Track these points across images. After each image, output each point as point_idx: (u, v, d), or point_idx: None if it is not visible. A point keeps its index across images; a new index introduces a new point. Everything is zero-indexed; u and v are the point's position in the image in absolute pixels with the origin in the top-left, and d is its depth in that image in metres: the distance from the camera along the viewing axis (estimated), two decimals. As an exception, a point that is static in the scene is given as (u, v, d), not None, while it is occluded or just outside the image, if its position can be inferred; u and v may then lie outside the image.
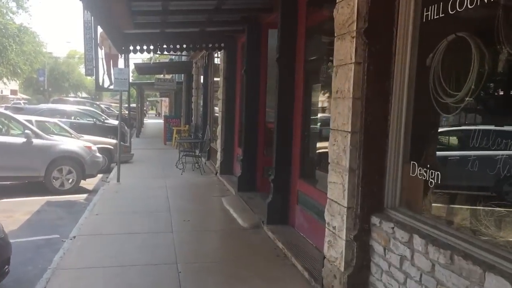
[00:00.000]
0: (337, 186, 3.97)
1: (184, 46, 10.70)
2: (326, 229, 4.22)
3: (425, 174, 3.35)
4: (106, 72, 16.30)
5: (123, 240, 5.99)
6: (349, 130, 3.78)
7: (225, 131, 11.10)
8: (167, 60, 22.75)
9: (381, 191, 3.73)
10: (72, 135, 12.60)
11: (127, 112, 35.46)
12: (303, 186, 6.17)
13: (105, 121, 21.02)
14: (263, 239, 6.06)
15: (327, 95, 6.21)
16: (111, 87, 16.59)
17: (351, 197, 3.79)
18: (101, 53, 15.82)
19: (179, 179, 11.01)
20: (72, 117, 18.69)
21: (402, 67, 3.62)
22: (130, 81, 28.31)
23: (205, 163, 13.60)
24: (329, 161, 4.17)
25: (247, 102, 8.87)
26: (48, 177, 9.73)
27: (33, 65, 37.21)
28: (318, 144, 6.36)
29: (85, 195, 9.93)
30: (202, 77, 16.41)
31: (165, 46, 10.57)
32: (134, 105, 26.90)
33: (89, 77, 19.35)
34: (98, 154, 10.67)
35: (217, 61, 13.95)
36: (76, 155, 10.02)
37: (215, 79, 13.91)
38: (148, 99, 71.97)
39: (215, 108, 14.40)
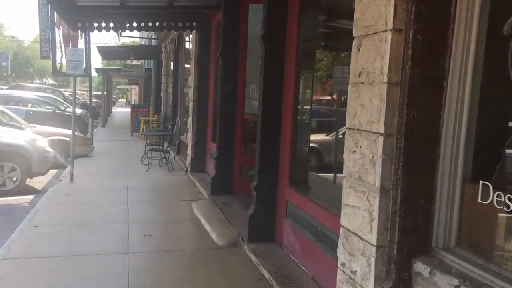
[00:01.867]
0: (359, 213, 2.73)
1: (150, 24, 9.23)
2: (339, 270, 2.98)
3: (502, 200, 2.13)
4: (64, 55, 14.54)
5: (62, 266, 4.61)
6: (381, 131, 2.53)
7: (197, 123, 9.74)
8: (135, 45, 21.05)
9: (429, 223, 2.51)
10: (22, 125, 11.02)
11: (94, 100, 33.56)
12: (294, 196, 4.92)
13: (66, 109, 19.31)
14: (244, 264, 4.79)
15: (328, 82, 4.97)
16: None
17: (382, 230, 2.55)
18: (58, 33, 14.10)
19: (143, 178, 9.61)
20: (29, 105, 16.94)
21: (466, 37, 2.39)
22: (97, 66, 26.62)
23: (174, 158, 12.21)
24: (345, 174, 2.93)
25: (222, 90, 7.54)
26: (-15, 176, 8.20)
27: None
28: (315, 142, 5.13)
29: (31, 197, 8.43)
30: (172, 63, 14.95)
31: (127, 24, 9.11)
32: (99, 92, 25.14)
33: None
34: (48, 148, 9.15)
35: (188, 46, 12.53)
36: (20, 150, 8.50)
37: (186, 66, 12.49)
38: (118, 86, 69.40)
39: (186, 97, 13.00)
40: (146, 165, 10.73)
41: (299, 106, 5.10)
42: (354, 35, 2.84)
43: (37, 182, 9.40)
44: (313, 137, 5.11)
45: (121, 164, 11.26)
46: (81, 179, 9.11)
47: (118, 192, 8.09)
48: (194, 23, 9.52)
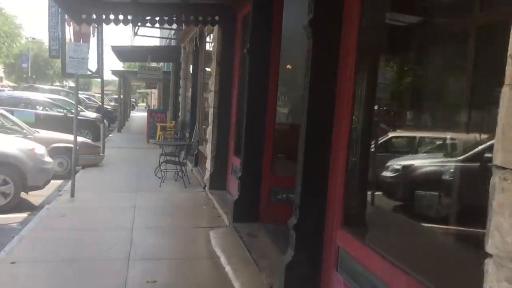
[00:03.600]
0: None
1: (166, 18, 8.01)
2: None
3: None
4: (74, 54, 13.45)
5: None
6: None
7: (217, 133, 8.46)
8: (152, 46, 19.96)
9: None
10: (24, 130, 9.92)
11: (112, 104, 32.66)
12: (349, 242, 3.57)
13: (80, 113, 18.29)
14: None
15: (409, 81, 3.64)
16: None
17: None
18: (68, 31, 13.00)
19: (155, 195, 8.35)
20: (39, 108, 15.94)
21: None
22: (116, 69, 25.54)
23: (192, 170, 10.95)
24: (491, 249, 1.57)
25: (250, 95, 6.24)
26: (-29, 191, 7.05)
27: (9, 48, 34.13)
28: (384, 167, 3.80)
29: (24, 215, 7.26)
30: (191, 65, 13.74)
31: (140, 16, 7.93)
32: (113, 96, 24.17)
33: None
34: (47, 158, 7.97)
35: (209, 46, 11.31)
36: (12, 160, 7.33)
37: (207, 69, 11.25)
38: (138, 90, 68.87)
39: (206, 103, 11.77)
40: (159, 178, 9.49)
41: (359, 116, 3.76)
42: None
43: (36, 196, 8.23)
44: (382, 159, 3.77)
45: (131, 176, 10.04)
46: (84, 194, 7.91)
47: (123, 213, 6.84)
48: (216, 17, 8.27)
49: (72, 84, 70.40)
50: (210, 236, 5.83)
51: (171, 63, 20.52)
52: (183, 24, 8.94)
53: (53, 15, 13.04)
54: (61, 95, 21.75)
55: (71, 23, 13.47)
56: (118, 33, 67.01)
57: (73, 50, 7.66)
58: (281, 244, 5.23)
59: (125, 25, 8.13)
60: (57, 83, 63.52)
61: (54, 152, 10.31)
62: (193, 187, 9.17)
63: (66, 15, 12.68)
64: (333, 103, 3.88)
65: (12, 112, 14.30)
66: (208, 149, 8.81)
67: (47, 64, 60.39)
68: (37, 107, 15.75)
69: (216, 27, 8.49)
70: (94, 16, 7.75)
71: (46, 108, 16.32)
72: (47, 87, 27.51)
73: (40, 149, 7.85)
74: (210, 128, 8.69)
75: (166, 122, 17.51)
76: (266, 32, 6.19)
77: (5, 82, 62.18)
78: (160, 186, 9.00)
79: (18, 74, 61.02)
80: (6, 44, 32.25)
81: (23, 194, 7.80)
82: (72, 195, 7.64)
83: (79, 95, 27.37)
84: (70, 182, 9.03)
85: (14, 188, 7.30)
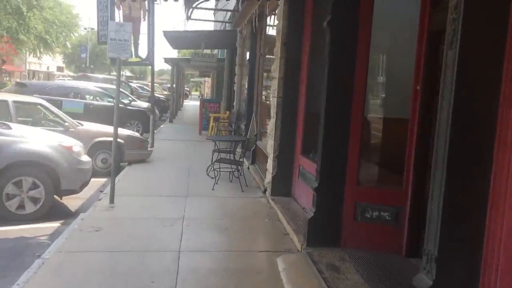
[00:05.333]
0: None
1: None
2: None
3: None
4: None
5: None
6: None
7: (281, 127, 7.04)
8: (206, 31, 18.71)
9: None
10: (66, 123, 8.94)
11: (165, 93, 32.01)
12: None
13: (131, 103, 17.46)
14: None
15: None
16: (129, 58, 12.81)
17: None
18: (118, 14, 12.00)
19: (207, 201, 7.07)
20: (89, 97, 15.14)
21: None
22: (168, 56, 24.61)
23: (248, 168, 9.62)
24: None
25: (330, 80, 4.75)
26: (-3, 195, 6.04)
27: (67, 38, 34.30)
28: None
29: (57, 224, 6.20)
30: (248, 51, 12.37)
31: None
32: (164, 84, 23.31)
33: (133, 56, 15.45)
34: (84, 158, 6.87)
35: (269, 29, 9.88)
36: (44, 160, 6.26)
37: (268, 56, 9.84)
38: (192, 79, 68.63)
39: (265, 92, 10.39)
40: (212, 178, 8.22)
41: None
42: None
43: (73, 199, 7.19)
44: None
45: (181, 176, 8.83)
46: (125, 199, 6.76)
47: (169, 227, 5.59)
48: (282, -12, 6.81)
49: (129, 73, 71.77)
50: (279, 267, 4.44)
51: (225, 50, 19.28)
52: (242, -2, 7.53)
53: (102, -3, 12.10)
54: (113, 84, 21.06)
55: (120, 6, 12.51)
56: (171, 20, 66.58)
57: (114, 31, 6.45)
58: (380, 285, 3.78)
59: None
60: (114, 73, 64.56)
61: (98, 147, 9.33)
62: (251, 191, 7.82)
63: (115, -1, 11.71)
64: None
65: (60, 102, 13.67)
66: (269, 147, 7.41)
67: (104, 53, 61.17)
68: (87, 96, 14.95)
69: (281, 1, 7.02)
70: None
71: (96, 98, 15.53)
72: (100, 76, 27.11)
73: (77, 146, 6.74)
74: (272, 121, 7.28)
75: (219, 112, 16.31)
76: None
77: (66, 72, 64.02)
78: (213, 189, 7.72)
79: (77, 64, 62.46)
80: (63, 34, 32.23)
81: (58, 197, 6.78)
82: (112, 201, 6.50)
83: (132, 84, 27.03)
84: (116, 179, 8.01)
85: (45, 193, 6.22)
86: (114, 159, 6.67)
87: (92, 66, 59.43)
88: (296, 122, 6.93)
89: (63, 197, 6.78)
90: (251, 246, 5.17)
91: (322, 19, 5.98)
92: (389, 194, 4.80)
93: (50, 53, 33.26)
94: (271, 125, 7.35)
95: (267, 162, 7.76)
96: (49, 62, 57.23)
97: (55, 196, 6.54)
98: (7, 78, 40.57)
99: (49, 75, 61.45)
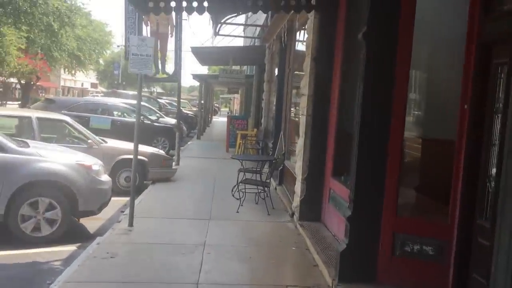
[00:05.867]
0: None
1: (249, 4, 6.29)
2: None
3: None
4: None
5: None
6: None
7: (310, 147, 6.59)
8: (234, 47, 18.54)
9: None
10: (89, 140, 8.75)
11: (194, 108, 32.04)
12: None
13: (159, 119, 17.33)
14: None
15: None
16: (157, 75, 12.69)
17: None
18: (146, 31, 11.89)
19: (231, 225, 6.65)
20: (117, 114, 15.07)
21: None
22: (196, 73, 24.62)
23: (276, 189, 9.17)
24: None
25: (366, 96, 4.29)
26: (13, 216, 5.77)
27: (100, 55, 34.91)
28: None
29: (73, 248, 5.90)
30: (277, 67, 12.02)
31: (217, 3, 6.32)
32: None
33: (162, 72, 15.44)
34: (103, 177, 6.58)
35: (298, 45, 9.50)
36: (61, 179, 5.99)
37: (296, 72, 9.45)
38: (221, 96, 68.92)
39: (294, 109, 9.96)
40: (237, 199, 7.82)
41: None
42: None
43: (93, 220, 6.90)
44: None
45: (206, 196, 8.45)
46: (145, 222, 6.42)
47: (189, 254, 5.18)
48: (312, 1, 6.41)
49: (160, 90, 72.69)
50: (307, 308, 3.96)
51: (254, 66, 19.05)
52: (271, 11, 7.19)
53: (130, 14, 12.03)
54: (142, 101, 21.09)
55: (148, 22, 12.41)
56: (199, 36, 67.26)
57: (136, 45, 6.20)
58: None
59: (199, 14, 6.53)
60: (145, 89, 65.44)
61: (121, 164, 9.08)
62: (277, 214, 7.36)
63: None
64: None
65: (88, 118, 13.62)
66: (298, 168, 6.96)
67: (142, 73, 62.20)
68: (115, 113, 14.88)
69: (311, 14, 6.63)
70: (163, 4, 6.24)
71: (124, 114, 15.45)
72: (130, 92, 27.33)
73: (96, 165, 6.46)
74: (301, 141, 6.83)
75: (247, 129, 15.97)
76: (392, 7, 4.22)
77: (99, 88, 65.45)
78: (237, 212, 7.31)
79: (110, 80, 63.73)
80: (96, 51, 32.80)
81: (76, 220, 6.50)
82: (130, 223, 6.16)
83: (161, 101, 27.09)
84: (139, 199, 7.72)
85: (62, 214, 5.94)
86: (133, 180, 6.36)
87: (124, 83, 60.50)
88: (326, 142, 6.47)
89: (81, 219, 6.50)
90: (276, 279, 4.70)
91: (355, 32, 5.56)
92: (432, 225, 4.27)
93: (83, 70, 33.85)
94: (299, 145, 6.91)
95: (295, 183, 7.31)
96: (83, 79, 58.63)
97: (73, 217, 6.26)
98: (43, 94, 41.63)
99: (83, 92, 62.95)
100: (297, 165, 6.96)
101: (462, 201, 4.00)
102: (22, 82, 28.23)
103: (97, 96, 34.30)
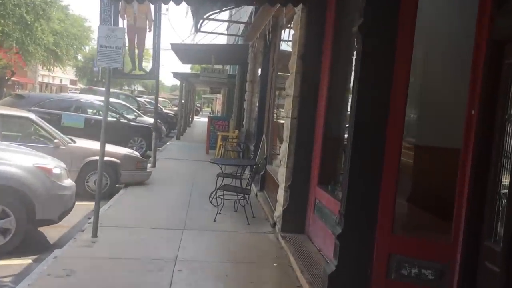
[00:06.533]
0: None
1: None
2: None
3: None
4: (128, 52, 11.66)
5: None
6: None
7: (295, 153, 6.06)
8: (217, 44, 17.90)
9: None
10: (55, 140, 8.06)
11: (175, 108, 31.25)
12: None
13: (136, 118, 16.62)
14: None
15: None
16: (134, 71, 12.01)
17: None
18: (122, 24, 11.22)
19: (207, 237, 6.07)
20: (91, 111, 14.31)
21: None
22: (178, 71, 23.85)
23: (256, 195, 8.63)
24: None
25: (360, 98, 3.77)
26: (-41, 225, 5.10)
27: (78, 51, 33.90)
28: None
29: (28, 261, 5.24)
30: (260, 66, 11.48)
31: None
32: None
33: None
34: (66, 182, 5.93)
35: (281, 44, 8.99)
36: (15, 184, 5.33)
37: (280, 73, 8.94)
38: (203, 95, 68.03)
39: (277, 110, 9.43)
40: (215, 206, 7.26)
41: None
42: None
43: (55, 227, 6.21)
44: None
45: (181, 203, 7.85)
46: (111, 232, 5.82)
47: (156, 272, 4.59)
48: (300, -8, 5.90)
49: (141, 88, 71.43)
50: None
51: (237, 66, 18.48)
52: (256, 5, 6.65)
53: (105, 6, 11.35)
54: (119, 99, 20.31)
55: (125, 15, 11.74)
56: (180, 32, 66.52)
57: (104, 36, 5.57)
58: None
59: (176, 4, 5.96)
60: (126, 87, 64.24)
61: (91, 166, 8.39)
62: (258, 223, 6.82)
63: (119, 7, 10.93)
64: None
65: (60, 116, 12.89)
66: (281, 175, 6.42)
67: (115, 68, 60.96)
68: (89, 111, 14.12)
69: (299, 8, 6.11)
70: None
71: (99, 112, 14.71)
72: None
73: (58, 168, 5.81)
74: (285, 146, 6.30)
75: (228, 131, 15.39)
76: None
77: (79, 85, 64.02)
78: (215, 221, 6.75)
79: (89, 77, 62.30)
80: (74, 46, 31.80)
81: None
82: (94, 234, 5.54)
83: (140, 99, 26.27)
84: (104, 206, 7.09)
85: (16, 223, 5.28)
86: (98, 184, 5.73)
87: (103, 80, 59.16)
88: (312, 147, 5.96)
89: (40, 227, 5.84)
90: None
91: (347, 27, 5.08)
92: (433, 245, 3.78)
93: (60, 66, 32.78)
94: (283, 149, 6.38)
95: (277, 190, 6.79)
96: (62, 75, 57.20)
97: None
98: (19, 90, 40.29)
99: (61, 88, 61.46)
100: (280, 171, 6.42)
101: (467, 219, 3.52)
102: (-4, 76, 27.19)
103: (76, 93, 33.31)
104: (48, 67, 32.40)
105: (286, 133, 6.33)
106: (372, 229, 3.79)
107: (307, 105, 5.99)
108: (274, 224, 6.53)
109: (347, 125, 5.74)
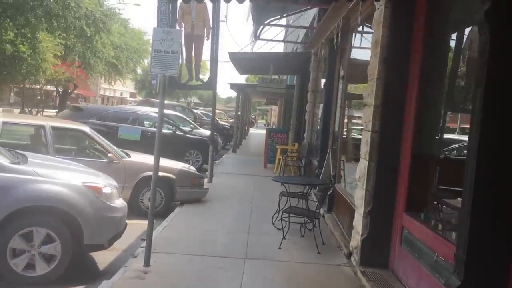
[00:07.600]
0: None
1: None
2: None
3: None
4: (185, 61, 11.18)
5: None
6: None
7: (376, 173, 5.13)
8: (276, 53, 17.22)
9: None
10: (110, 154, 7.60)
11: (231, 120, 30.94)
12: None
13: (193, 130, 16.23)
14: None
15: None
16: (191, 82, 11.53)
17: None
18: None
19: (270, 269, 5.24)
20: (148, 124, 13.99)
21: None
22: (234, 82, 23.42)
23: (324, 216, 7.72)
24: None
25: (487, 101, 2.84)
26: (1, 252, 4.59)
27: (137, 64, 34.52)
28: None
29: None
30: (326, 73, 10.61)
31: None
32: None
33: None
34: (116, 203, 5.32)
35: (354, 54, 8.10)
36: (62, 205, 4.78)
37: (351, 86, 8.06)
38: (258, 107, 67.74)
39: (350, 123, 8.52)
40: (279, 229, 6.46)
41: None
42: None
43: (106, 250, 5.63)
44: None
45: (241, 224, 7.10)
46: (165, 261, 5.15)
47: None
48: (383, -14, 5.03)
49: (197, 100, 72.34)
50: None
51: (295, 76, 17.71)
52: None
53: (162, 14, 10.98)
54: (176, 111, 20.09)
55: (182, 23, 11.31)
56: (237, 40, 66.76)
57: (159, 40, 4.96)
58: None
59: (239, 1, 5.29)
60: (182, 99, 65.16)
61: (146, 182, 7.81)
62: (329, 252, 5.93)
63: (177, 15, 10.49)
64: None
65: (117, 128, 12.63)
66: (358, 198, 5.50)
67: (172, 80, 62.05)
68: (146, 123, 13.81)
69: (382, 2, 5.23)
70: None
71: (156, 124, 14.38)
72: (166, 102, 26.50)
73: (108, 187, 5.23)
74: (363, 164, 5.39)
75: (287, 144, 14.59)
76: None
77: (138, 98, 65.82)
78: (279, 248, 5.92)
79: (148, 90, 63.82)
80: (133, 60, 32.37)
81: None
82: (147, 263, 4.88)
83: (196, 111, 26.08)
84: (158, 227, 6.49)
85: (61, 249, 4.71)
86: (151, 205, 5.08)
87: (162, 93, 60.22)
88: (398, 166, 5.01)
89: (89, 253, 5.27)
90: None
91: (440, 26, 4.16)
92: None
93: (120, 79, 33.44)
94: (361, 168, 5.46)
95: (350, 214, 5.88)
96: (122, 88, 58.92)
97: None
98: (82, 103, 41.65)
99: (122, 101, 63.38)
100: (358, 194, 5.50)
101: None
102: (60, 90, 27.96)
103: (133, 105, 33.87)
104: (109, 80, 33.15)
105: (364, 149, 5.42)
106: (503, 276, 2.82)
107: (391, 116, 5.07)
108: (350, 254, 5.61)
109: (442, 140, 4.82)
